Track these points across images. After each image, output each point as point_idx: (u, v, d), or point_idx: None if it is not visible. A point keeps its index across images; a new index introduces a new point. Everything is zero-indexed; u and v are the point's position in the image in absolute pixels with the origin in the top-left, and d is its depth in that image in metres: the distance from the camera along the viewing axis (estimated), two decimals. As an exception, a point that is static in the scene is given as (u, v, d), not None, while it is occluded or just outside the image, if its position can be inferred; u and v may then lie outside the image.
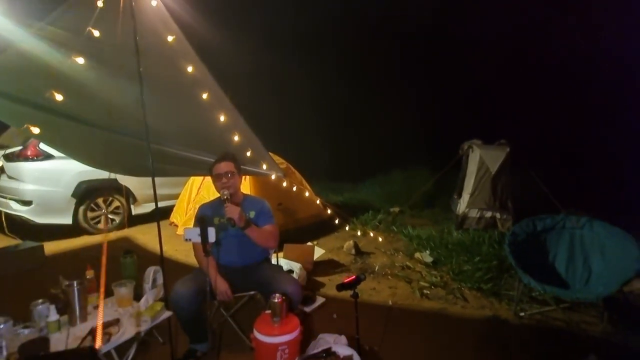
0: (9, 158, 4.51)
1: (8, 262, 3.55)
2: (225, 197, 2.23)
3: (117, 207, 5.21)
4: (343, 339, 2.17)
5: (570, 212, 3.10)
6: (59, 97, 1.92)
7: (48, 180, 4.51)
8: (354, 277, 1.98)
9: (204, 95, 2.08)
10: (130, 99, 1.88)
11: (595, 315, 2.85)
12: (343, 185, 8.53)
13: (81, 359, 0.83)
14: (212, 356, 2.35)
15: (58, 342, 1.50)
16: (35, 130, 2.22)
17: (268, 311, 2.14)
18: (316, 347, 2.14)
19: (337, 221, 4.19)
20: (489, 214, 4.77)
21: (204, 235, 1.85)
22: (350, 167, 9.29)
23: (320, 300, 3.16)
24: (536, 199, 4.59)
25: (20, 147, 4.51)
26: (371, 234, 4.60)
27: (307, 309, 2.99)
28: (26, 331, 1.46)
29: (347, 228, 4.74)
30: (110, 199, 5.14)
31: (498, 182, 4.75)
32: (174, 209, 5.41)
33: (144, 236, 5.00)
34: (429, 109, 9.66)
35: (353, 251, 4.35)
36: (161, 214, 5.72)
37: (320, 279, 3.66)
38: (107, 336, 1.59)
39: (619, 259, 2.68)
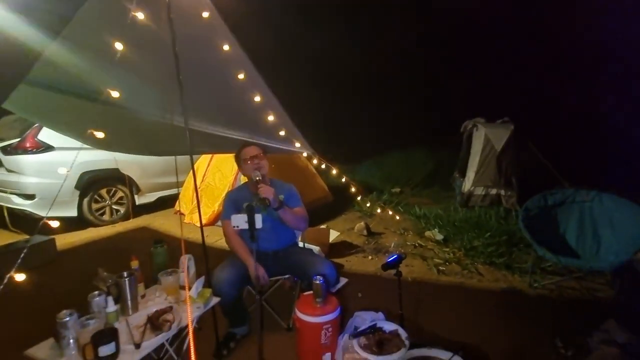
0: (7, 151, 4.33)
1: (22, 259, 3.46)
2: (257, 177, 2.23)
3: (120, 198, 5.11)
4: (381, 315, 2.26)
5: (579, 187, 3.23)
6: (115, 95, 1.87)
7: (50, 172, 4.35)
8: (396, 256, 2.04)
9: (240, 75, 2.05)
10: (167, 80, 1.83)
11: (604, 284, 3.05)
12: (339, 167, 8.57)
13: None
14: (250, 339, 2.41)
15: (120, 331, 1.52)
16: (99, 134, 2.17)
17: (306, 293, 2.21)
18: (353, 325, 2.23)
19: (359, 198, 4.27)
20: (494, 191, 4.92)
21: (252, 222, 1.87)
22: (345, 148, 9.28)
23: (343, 280, 3.23)
24: (539, 175, 4.75)
25: (17, 139, 4.33)
26: (390, 212, 4.71)
27: (333, 289, 3.07)
28: (92, 322, 1.46)
29: (366, 206, 4.84)
30: (114, 189, 5.04)
31: (503, 160, 4.88)
32: (179, 197, 5.36)
33: (151, 225, 4.96)
34: (424, 87, 9.61)
35: (365, 232, 4.44)
36: (164, 203, 5.68)
37: (338, 260, 3.74)
38: (167, 323, 1.61)
39: (628, 229, 2.85)
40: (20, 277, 1.74)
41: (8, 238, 4.02)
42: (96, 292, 1.62)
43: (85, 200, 4.71)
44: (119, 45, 1.61)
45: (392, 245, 4.05)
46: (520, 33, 8.24)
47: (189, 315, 1.59)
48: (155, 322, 1.61)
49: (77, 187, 4.58)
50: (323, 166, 3.85)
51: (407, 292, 3.03)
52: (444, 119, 6.62)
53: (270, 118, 2.48)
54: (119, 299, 1.71)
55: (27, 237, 3.91)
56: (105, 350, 1.35)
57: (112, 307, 1.60)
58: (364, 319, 2.31)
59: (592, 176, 3.84)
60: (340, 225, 4.85)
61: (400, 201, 5.89)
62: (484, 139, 4.96)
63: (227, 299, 2.16)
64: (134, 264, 1.94)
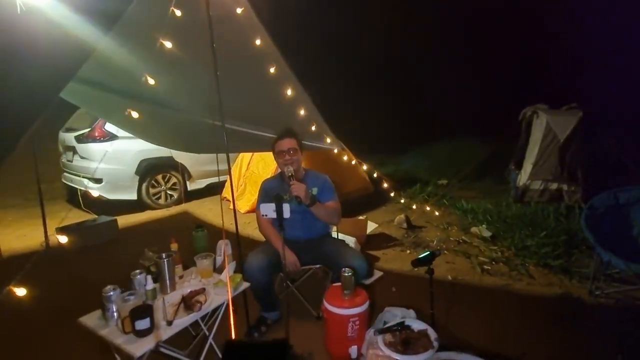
0: (80, 140, 4.87)
1: (88, 234, 3.92)
2: (289, 174, 2.24)
3: (174, 184, 5.51)
4: (412, 312, 2.17)
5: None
6: (151, 81, 2.00)
7: (114, 159, 4.83)
8: (428, 252, 1.94)
9: (272, 69, 2.06)
10: (204, 77, 1.90)
11: (685, 296, 2.62)
12: (384, 157, 8.32)
13: (276, 350, 0.88)
14: (281, 325, 2.48)
15: (156, 308, 1.64)
16: (135, 114, 2.36)
17: (336, 284, 2.19)
18: (383, 320, 2.17)
19: (392, 194, 4.12)
20: (554, 186, 4.45)
21: (279, 211, 1.89)
22: (390, 137, 8.96)
23: (377, 273, 3.18)
24: (610, 170, 4.18)
25: (88, 129, 4.85)
26: (427, 208, 4.49)
27: (366, 282, 3.03)
28: (132, 298, 1.60)
29: (402, 200, 4.66)
30: (168, 175, 5.44)
31: (567, 151, 4.37)
32: (226, 184, 5.63)
33: (200, 210, 5.28)
34: (479, 71, 8.89)
35: (405, 225, 4.30)
36: (213, 190, 5.99)
37: (374, 252, 3.68)
38: (198, 304, 1.71)
39: None
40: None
41: (80, 217, 4.56)
42: (138, 271, 1.77)
43: (144, 185, 5.16)
44: (167, 43, 1.68)
45: (435, 241, 3.87)
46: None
47: (229, 294, 1.65)
48: (188, 302, 1.72)
49: (137, 172, 5.04)
50: (353, 162, 3.74)
51: (445, 291, 2.92)
52: (500, 104, 6.09)
53: (302, 113, 2.46)
54: (158, 278, 1.84)
55: (96, 216, 4.40)
56: (140, 324, 1.47)
57: (150, 285, 1.73)
58: (394, 314, 2.24)
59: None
60: (380, 216, 4.75)
61: (446, 194, 5.59)
62: (545, 127, 4.47)
63: (258, 285, 2.23)
64: (174, 246, 2.08)
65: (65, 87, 1.48)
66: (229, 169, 2.28)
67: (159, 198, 5.38)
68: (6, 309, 1.77)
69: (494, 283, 3.04)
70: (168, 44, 1.68)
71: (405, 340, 1.69)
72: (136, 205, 5.14)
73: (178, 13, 1.62)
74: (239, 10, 1.80)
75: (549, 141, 4.43)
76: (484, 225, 4.13)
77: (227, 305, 1.81)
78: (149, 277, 1.73)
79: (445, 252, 3.66)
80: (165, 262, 1.84)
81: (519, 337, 2.31)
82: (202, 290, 1.83)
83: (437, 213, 4.58)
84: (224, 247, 2.45)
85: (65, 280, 3.14)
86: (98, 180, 4.81)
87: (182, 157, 5.39)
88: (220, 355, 1.92)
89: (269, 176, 4.89)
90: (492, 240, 3.83)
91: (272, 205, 1.91)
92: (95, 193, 3.87)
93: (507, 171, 5.58)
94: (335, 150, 3.12)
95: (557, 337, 2.31)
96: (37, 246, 3.81)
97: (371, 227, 4.21)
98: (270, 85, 2.24)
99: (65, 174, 5.31)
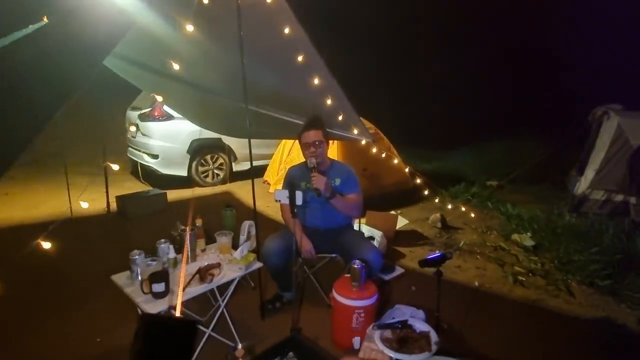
0: (142, 118, 5.40)
1: (140, 204, 4.39)
2: (312, 165, 2.28)
3: (221, 164, 5.87)
4: (421, 313, 2.14)
5: None
6: (175, 66, 2.17)
7: (169, 137, 5.29)
8: (439, 254, 1.88)
9: (299, 57, 2.09)
10: (231, 62, 2.00)
11: None
12: (432, 152, 7.96)
13: (183, 330, 0.98)
14: (294, 305, 2.58)
15: (174, 275, 1.83)
16: (159, 98, 2.58)
17: (348, 275, 2.22)
18: (391, 316, 2.16)
19: (426, 192, 3.97)
20: (619, 198, 3.93)
21: (292, 198, 1.96)
22: (440, 132, 8.51)
23: (399, 270, 3.13)
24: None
25: (149, 109, 5.35)
26: (462, 209, 4.25)
27: (386, 278, 3.01)
28: (153, 263, 1.80)
29: (436, 200, 4.47)
30: (216, 156, 5.81)
31: (639, 160, 3.81)
32: (267, 168, 5.86)
33: (241, 191, 5.58)
34: (544, 62, 7.97)
35: (439, 224, 4.14)
36: (256, 172, 6.28)
37: (401, 249, 3.61)
38: (210, 277, 1.86)
39: None
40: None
41: (138, 187, 5.10)
42: (162, 240, 1.97)
43: (194, 163, 5.58)
44: (189, 27, 1.81)
45: (462, 243, 3.68)
46: None
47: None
48: (202, 274, 1.88)
49: (188, 151, 5.45)
50: (383, 155, 3.64)
51: (467, 297, 2.80)
52: (567, 99, 5.44)
53: (329, 102, 2.46)
54: (180, 249, 2.04)
55: (150, 188, 4.89)
56: (157, 287, 1.66)
57: (172, 254, 1.92)
58: (403, 312, 2.23)
59: None
60: (415, 213, 4.62)
61: (493, 196, 5.22)
62: (615, 130, 3.93)
63: (272, 267, 2.35)
64: (198, 221, 2.27)
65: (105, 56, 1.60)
66: (250, 153, 2.40)
67: (207, 176, 5.78)
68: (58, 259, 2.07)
69: (524, 295, 2.83)
70: (190, 28, 1.79)
71: (402, 338, 1.68)
72: (186, 182, 5.59)
73: (205, 0, 1.72)
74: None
75: (618, 146, 3.90)
76: (528, 234, 3.82)
77: (237, 280, 1.95)
78: (171, 247, 1.92)
79: (478, 257, 3.47)
80: (189, 235, 2.01)
81: (538, 356, 2.15)
82: (217, 265, 1.99)
83: (473, 215, 4.32)
84: (247, 227, 2.62)
85: (113, 242, 3.57)
86: (155, 156, 5.32)
87: (229, 139, 5.69)
88: (230, 323, 2.10)
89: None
90: (533, 250, 3.53)
91: (286, 192, 1.98)
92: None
93: (568, 176, 5.05)
94: (363, 142, 3.08)
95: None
96: (101, 210, 4.36)
97: (402, 222, 4.12)
98: (298, 73, 2.27)
99: (129, 148, 5.94)
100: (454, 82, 9.03)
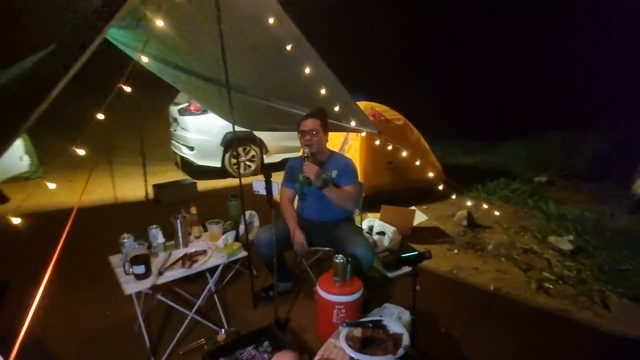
0: (181, 112, 5.80)
1: (172, 193, 4.74)
2: (305, 155, 2.26)
3: (252, 156, 6.08)
4: (407, 313, 2.01)
5: None
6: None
7: (204, 130, 5.60)
8: (415, 252, 1.74)
9: (288, 47, 2.06)
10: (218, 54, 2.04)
11: None
12: (476, 144, 7.33)
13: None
14: (290, 296, 2.60)
15: (160, 259, 1.95)
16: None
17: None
18: (378, 315, 2.07)
19: (440, 187, 3.71)
20: (689, 199, 3.27)
21: (268, 188, 1.96)
22: (489, 122, 7.79)
23: (406, 268, 2.97)
24: None
25: (187, 104, 5.72)
26: (485, 205, 3.90)
27: (390, 275, 2.88)
28: (140, 247, 1.94)
29: (469, 195, 4.15)
30: (248, 148, 6.02)
31: None
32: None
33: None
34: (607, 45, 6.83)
35: (465, 222, 3.83)
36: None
37: (417, 246, 3.43)
38: (189, 262, 1.95)
39: None
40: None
41: (176, 176, 5.51)
42: (154, 225, 2.11)
43: (227, 155, 5.85)
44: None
45: (491, 245, 3.36)
46: None
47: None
48: (185, 259, 1.98)
49: (221, 143, 5.74)
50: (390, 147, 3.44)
51: (477, 301, 2.57)
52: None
53: (322, 92, 2.39)
54: (172, 235, 2.16)
55: (187, 178, 5.25)
56: (137, 269, 1.78)
57: (160, 239, 2.05)
58: (391, 312, 2.12)
59: None
60: (441, 209, 4.33)
61: (537, 193, 4.69)
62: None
63: (263, 257, 2.38)
64: (193, 209, 2.38)
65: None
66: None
67: (239, 168, 6.03)
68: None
69: (547, 305, 2.51)
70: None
71: (368, 338, 1.60)
72: (221, 173, 5.89)
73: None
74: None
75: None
76: (569, 236, 3.37)
77: (221, 267, 2.02)
78: (160, 232, 2.05)
79: (502, 259, 3.16)
80: (178, 222, 2.13)
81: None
82: (203, 252, 2.07)
83: (499, 213, 3.91)
84: (247, 217, 2.69)
85: (144, 225, 3.89)
86: (191, 148, 5.68)
87: (261, 132, 5.86)
88: (219, 308, 2.20)
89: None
90: (571, 254, 3.11)
91: (262, 183, 1.99)
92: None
93: (633, 174, 4.34)
94: (364, 133, 2.95)
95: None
96: (141, 197, 4.79)
97: (420, 218, 3.90)
98: (288, 63, 2.25)
99: (172, 141, 6.42)
100: (510, 72, 8.24)
